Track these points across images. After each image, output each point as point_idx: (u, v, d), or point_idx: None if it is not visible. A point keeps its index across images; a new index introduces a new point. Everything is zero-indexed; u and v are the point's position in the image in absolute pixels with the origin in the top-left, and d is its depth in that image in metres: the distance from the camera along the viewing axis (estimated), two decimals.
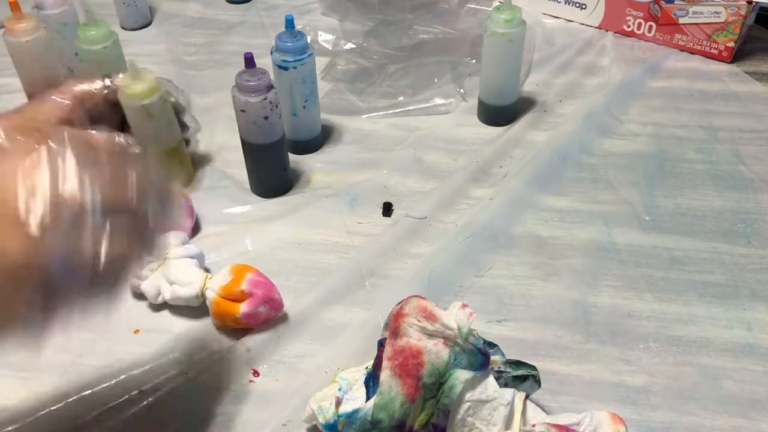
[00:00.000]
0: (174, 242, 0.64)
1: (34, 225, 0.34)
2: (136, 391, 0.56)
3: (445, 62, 0.93)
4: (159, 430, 0.54)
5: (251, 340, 0.59)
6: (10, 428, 0.54)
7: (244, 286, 0.58)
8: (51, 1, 0.85)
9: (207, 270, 0.65)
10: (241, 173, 0.76)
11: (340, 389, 0.51)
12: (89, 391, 0.56)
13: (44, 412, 0.55)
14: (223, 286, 0.59)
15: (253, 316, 0.59)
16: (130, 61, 0.69)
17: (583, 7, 1.02)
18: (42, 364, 0.58)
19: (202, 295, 0.60)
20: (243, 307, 0.58)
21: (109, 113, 0.55)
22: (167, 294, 0.61)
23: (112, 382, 0.57)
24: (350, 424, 0.49)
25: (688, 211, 0.73)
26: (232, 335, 0.61)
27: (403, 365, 0.47)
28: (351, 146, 0.83)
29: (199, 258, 0.64)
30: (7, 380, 0.58)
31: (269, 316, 0.60)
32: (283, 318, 0.62)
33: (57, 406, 0.55)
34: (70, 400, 0.55)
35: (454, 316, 0.48)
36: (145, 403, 0.56)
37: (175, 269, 0.61)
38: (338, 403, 0.50)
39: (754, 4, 0.90)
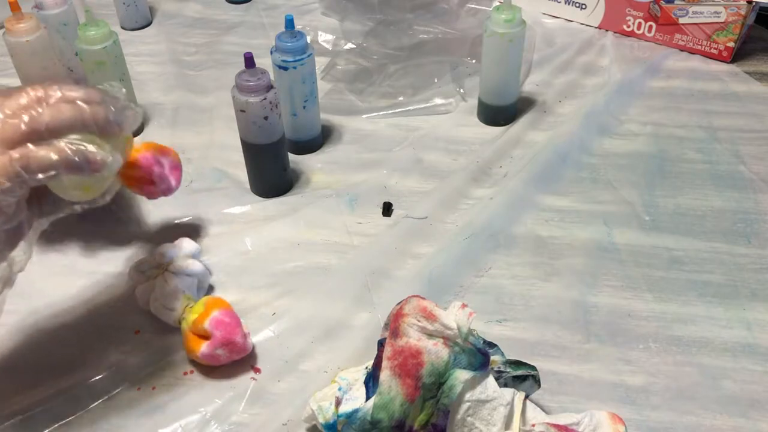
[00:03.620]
0: (182, 254, 0.62)
1: None
2: (135, 390, 0.56)
3: (445, 62, 0.93)
4: (158, 428, 0.54)
5: (252, 340, 0.59)
6: (6, 423, 0.54)
7: (207, 324, 0.56)
8: (51, 1, 0.85)
9: (211, 288, 0.65)
10: (241, 173, 0.76)
11: (339, 389, 0.51)
12: (89, 389, 0.56)
13: (44, 410, 0.55)
14: (194, 320, 0.57)
15: (212, 357, 0.56)
16: None
17: (583, 7, 1.02)
18: (42, 362, 0.59)
19: (179, 324, 0.59)
20: (203, 348, 0.56)
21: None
22: (152, 309, 0.60)
23: (111, 380, 0.57)
24: (350, 424, 0.49)
25: (688, 211, 0.73)
26: None
27: (403, 365, 0.47)
28: (351, 146, 0.83)
29: (202, 276, 0.62)
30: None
31: (231, 359, 0.57)
32: (284, 318, 0.62)
33: (58, 401, 0.55)
34: (71, 395, 0.56)
35: (453, 316, 0.48)
36: (144, 401, 0.56)
37: (166, 287, 0.59)
38: (338, 402, 0.50)
39: (754, 4, 0.90)
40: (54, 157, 0.45)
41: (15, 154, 0.44)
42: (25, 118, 0.45)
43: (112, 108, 0.49)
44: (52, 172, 0.45)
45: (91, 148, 0.47)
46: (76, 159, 0.46)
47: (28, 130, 0.45)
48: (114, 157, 0.48)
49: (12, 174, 0.44)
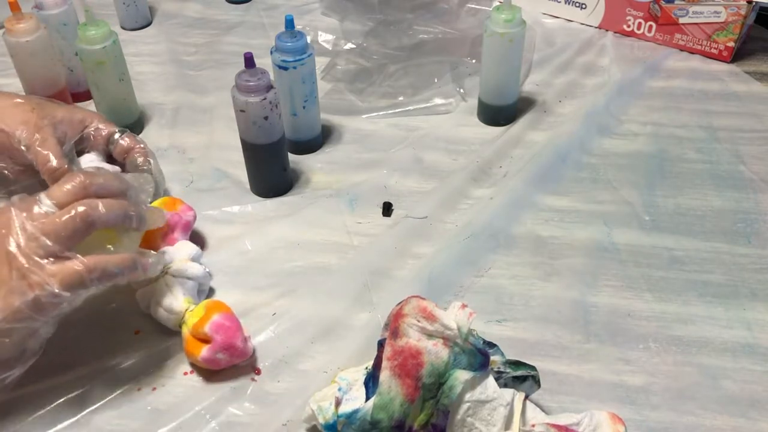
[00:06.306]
0: (182, 257, 0.61)
1: None
2: (135, 390, 0.56)
3: (445, 62, 0.93)
4: (158, 428, 0.54)
5: (252, 341, 0.59)
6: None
7: (207, 328, 0.55)
8: (51, 1, 0.85)
9: (212, 290, 0.64)
10: (241, 173, 0.76)
11: (339, 389, 0.51)
12: (89, 389, 0.56)
13: (44, 410, 0.55)
14: (195, 323, 0.56)
15: (212, 361, 0.56)
16: None
17: (583, 6, 1.02)
18: (43, 362, 0.58)
19: (180, 327, 0.58)
20: (203, 352, 0.55)
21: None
22: (153, 312, 0.60)
23: (112, 380, 0.57)
24: (350, 424, 0.49)
25: (688, 211, 0.73)
26: None
27: (403, 365, 0.47)
28: (351, 146, 0.83)
29: (202, 279, 0.61)
30: None
31: (231, 363, 0.57)
32: (284, 318, 0.62)
33: (57, 402, 0.56)
34: (71, 396, 0.56)
35: (453, 316, 0.48)
36: (144, 401, 0.56)
37: (166, 291, 0.59)
38: (338, 403, 0.50)
39: (754, 4, 0.90)
40: (118, 267, 0.52)
41: (88, 264, 0.49)
42: (81, 211, 0.50)
43: (143, 205, 0.57)
44: (115, 281, 0.52)
45: (147, 254, 0.56)
46: (136, 266, 0.53)
47: (83, 227, 0.50)
48: (157, 258, 0.57)
49: (83, 282, 0.49)
